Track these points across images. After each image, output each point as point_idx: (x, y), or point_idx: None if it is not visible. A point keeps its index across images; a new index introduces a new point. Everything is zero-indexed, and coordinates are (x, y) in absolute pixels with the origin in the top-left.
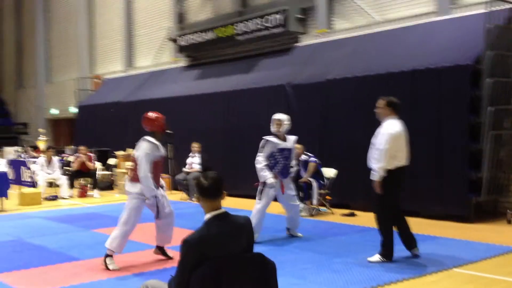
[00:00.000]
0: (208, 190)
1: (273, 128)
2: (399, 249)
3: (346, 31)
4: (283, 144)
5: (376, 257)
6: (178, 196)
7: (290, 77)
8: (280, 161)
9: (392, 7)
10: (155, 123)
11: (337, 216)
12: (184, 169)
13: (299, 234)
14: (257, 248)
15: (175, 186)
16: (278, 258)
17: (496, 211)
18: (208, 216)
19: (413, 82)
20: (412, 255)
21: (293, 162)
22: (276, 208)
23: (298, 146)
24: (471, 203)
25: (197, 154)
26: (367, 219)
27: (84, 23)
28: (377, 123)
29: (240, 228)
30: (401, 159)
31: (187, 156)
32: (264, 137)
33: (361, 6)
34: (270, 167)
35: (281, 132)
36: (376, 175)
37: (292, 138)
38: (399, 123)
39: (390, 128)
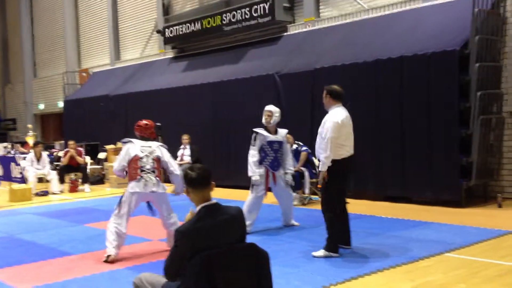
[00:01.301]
0: (196, 180)
1: (263, 120)
2: (390, 235)
3: (334, 19)
4: (272, 137)
5: (321, 252)
6: (170, 188)
7: (278, 67)
8: (269, 154)
9: None
10: (146, 131)
11: None
12: (176, 161)
13: (296, 223)
14: (250, 238)
15: (167, 179)
16: (272, 248)
17: (487, 195)
18: (199, 207)
19: (402, 68)
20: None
21: (290, 159)
22: (268, 198)
23: (288, 136)
24: (461, 188)
25: (187, 146)
26: (358, 207)
27: (70, 17)
28: (363, 111)
29: (232, 219)
30: (349, 148)
31: (178, 148)
32: (253, 129)
33: None
34: (260, 160)
35: (271, 124)
36: (322, 166)
37: (283, 132)
38: (343, 111)
39: (335, 117)
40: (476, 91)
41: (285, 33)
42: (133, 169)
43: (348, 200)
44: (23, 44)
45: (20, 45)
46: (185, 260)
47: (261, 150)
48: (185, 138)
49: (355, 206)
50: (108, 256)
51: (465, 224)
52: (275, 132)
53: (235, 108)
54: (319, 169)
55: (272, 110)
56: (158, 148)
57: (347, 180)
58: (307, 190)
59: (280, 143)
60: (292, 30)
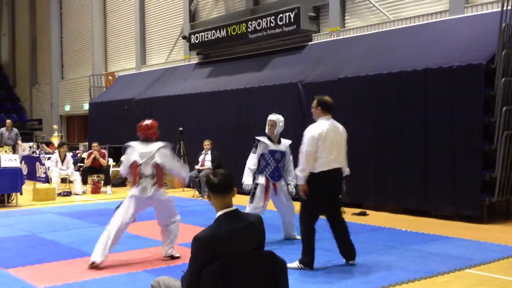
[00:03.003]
0: (218, 186)
1: (266, 129)
2: (409, 249)
3: (359, 29)
4: (274, 146)
5: (295, 264)
6: (190, 193)
7: (302, 76)
8: (270, 163)
9: (405, 5)
10: (148, 131)
11: (349, 215)
12: (196, 167)
13: (298, 236)
14: (266, 246)
15: (188, 183)
16: (289, 257)
17: (509, 212)
18: (219, 213)
19: (426, 81)
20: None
21: (291, 170)
22: None
23: None
24: (484, 204)
25: (209, 152)
26: (378, 219)
27: (98, 20)
28: (386, 121)
29: (251, 226)
30: (328, 161)
31: (199, 154)
32: (256, 137)
33: (374, 4)
34: (261, 169)
35: (274, 134)
36: (299, 180)
37: (287, 142)
38: (327, 123)
39: (312, 130)
40: (502, 106)
41: (310, 42)
42: (133, 174)
43: (367, 211)
44: (52, 46)
45: (49, 47)
46: (203, 269)
47: (262, 159)
48: (207, 143)
49: (374, 218)
50: (92, 263)
51: (486, 241)
52: (278, 142)
53: (257, 115)
54: (297, 183)
55: (275, 120)
56: (158, 152)
57: (329, 194)
58: None
59: (282, 153)
60: (317, 39)
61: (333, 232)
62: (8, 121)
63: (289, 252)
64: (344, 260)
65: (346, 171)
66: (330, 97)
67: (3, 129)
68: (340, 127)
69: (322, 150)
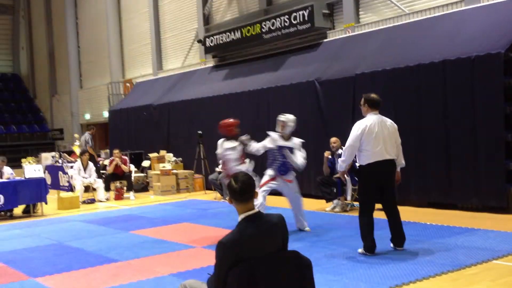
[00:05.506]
0: (239, 194)
1: (277, 129)
2: (435, 242)
3: (374, 24)
4: (282, 142)
5: (361, 249)
6: (211, 195)
7: (319, 73)
8: (277, 159)
9: None
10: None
11: None
12: (217, 169)
13: (307, 228)
14: (292, 245)
15: (209, 185)
16: (314, 255)
17: None
18: (241, 217)
19: (445, 73)
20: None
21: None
22: (312, 205)
23: (335, 139)
24: (508, 194)
25: None
26: (402, 213)
27: (113, 28)
28: (406, 116)
29: (274, 227)
30: (376, 153)
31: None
32: (268, 132)
33: None
34: (269, 163)
35: (285, 133)
36: (340, 167)
37: (297, 140)
38: (373, 118)
39: (357, 125)
40: None
41: (325, 40)
42: None
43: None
44: (69, 57)
45: (67, 57)
46: (229, 272)
47: (270, 155)
48: None
49: None
50: None
51: None
52: (288, 139)
53: (275, 116)
54: (338, 169)
55: (285, 120)
56: None
57: (380, 184)
58: (349, 197)
59: (290, 149)
60: (332, 36)
61: (388, 221)
62: (93, 127)
63: (314, 251)
64: (392, 245)
65: (402, 163)
66: (348, 93)
67: (88, 136)
68: (388, 121)
69: (367, 144)
